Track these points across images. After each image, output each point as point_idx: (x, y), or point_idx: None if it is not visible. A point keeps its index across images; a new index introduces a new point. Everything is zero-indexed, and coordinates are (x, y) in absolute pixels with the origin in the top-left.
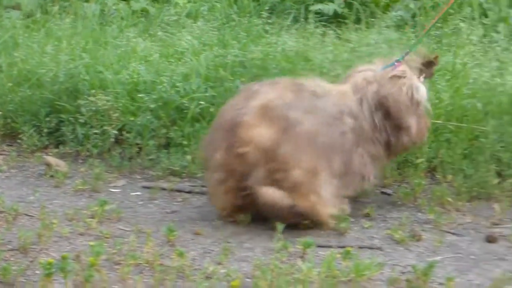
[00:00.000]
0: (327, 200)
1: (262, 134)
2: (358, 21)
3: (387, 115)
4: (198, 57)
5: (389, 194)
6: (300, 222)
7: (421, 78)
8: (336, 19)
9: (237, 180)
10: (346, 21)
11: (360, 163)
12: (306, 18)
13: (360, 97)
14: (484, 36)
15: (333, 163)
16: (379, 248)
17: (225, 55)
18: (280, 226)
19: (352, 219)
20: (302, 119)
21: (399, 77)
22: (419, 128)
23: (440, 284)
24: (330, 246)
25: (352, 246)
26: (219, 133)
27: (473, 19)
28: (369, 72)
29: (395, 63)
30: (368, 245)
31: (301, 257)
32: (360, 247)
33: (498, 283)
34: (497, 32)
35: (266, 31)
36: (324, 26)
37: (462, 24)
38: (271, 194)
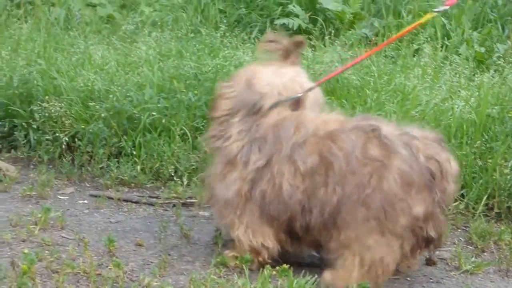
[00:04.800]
0: None
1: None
2: (324, 36)
3: None
4: (153, 68)
5: None
6: None
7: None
8: (301, 34)
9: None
10: (311, 36)
11: None
12: (274, 32)
13: None
14: (446, 58)
15: None
16: (318, 266)
17: (181, 67)
18: (221, 240)
19: None
20: None
21: None
22: None
23: None
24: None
25: (291, 263)
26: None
27: (436, 39)
28: None
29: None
30: (307, 262)
31: (240, 272)
32: (300, 264)
33: None
34: (459, 54)
35: (224, 44)
36: None
37: (424, 45)
38: None
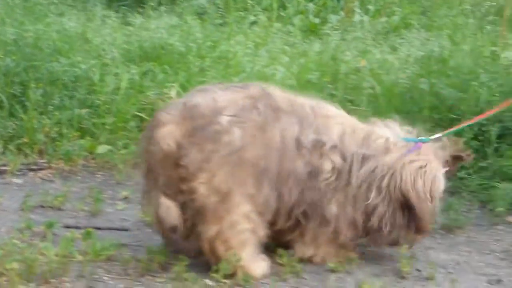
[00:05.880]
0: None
1: (169, 132)
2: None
3: (403, 205)
4: None
5: None
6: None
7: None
8: (138, 3)
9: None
10: (145, 6)
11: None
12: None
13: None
14: (280, 29)
15: (261, 190)
16: (127, 230)
17: (1, 33)
18: (27, 205)
19: (109, 201)
20: (232, 130)
21: (421, 166)
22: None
23: None
24: (78, 227)
25: (100, 228)
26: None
27: (272, 10)
28: (386, 137)
29: (418, 142)
30: (118, 226)
31: (43, 237)
32: (109, 229)
33: None
34: (293, 24)
35: (51, 11)
36: (127, 10)
37: (261, 16)
38: (163, 206)
